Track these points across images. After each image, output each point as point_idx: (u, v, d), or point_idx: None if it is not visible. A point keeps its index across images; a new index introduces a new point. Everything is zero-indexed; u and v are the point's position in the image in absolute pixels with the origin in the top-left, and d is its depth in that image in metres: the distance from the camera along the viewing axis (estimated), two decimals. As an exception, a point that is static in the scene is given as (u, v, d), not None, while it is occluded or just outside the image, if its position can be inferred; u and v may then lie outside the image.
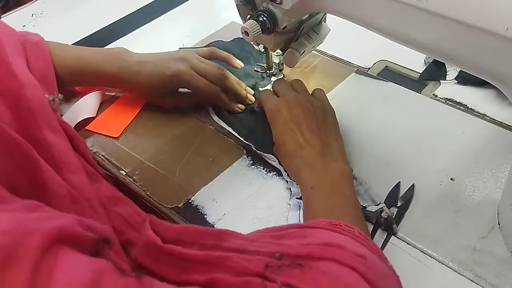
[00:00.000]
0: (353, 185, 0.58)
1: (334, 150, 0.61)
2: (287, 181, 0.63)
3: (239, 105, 0.73)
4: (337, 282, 0.39)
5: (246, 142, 0.68)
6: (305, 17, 0.63)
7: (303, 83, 0.69)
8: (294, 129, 0.62)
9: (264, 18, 0.59)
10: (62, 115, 0.67)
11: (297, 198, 0.60)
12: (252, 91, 0.75)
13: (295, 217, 0.59)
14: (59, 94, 0.64)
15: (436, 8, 0.44)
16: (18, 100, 0.56)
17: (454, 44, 0.45)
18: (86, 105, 0.73)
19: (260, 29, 0.59)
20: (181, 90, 0.73)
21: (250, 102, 0.74)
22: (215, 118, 0.72)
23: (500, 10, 0.41)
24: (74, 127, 0.69)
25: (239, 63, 0.76)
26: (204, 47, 0.83)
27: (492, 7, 0.41)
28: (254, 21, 0.59)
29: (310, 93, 0.69)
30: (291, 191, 0.62)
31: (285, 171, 0.63)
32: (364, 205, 0.58)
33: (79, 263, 0.30)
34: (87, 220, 0.35)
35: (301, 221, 0.58)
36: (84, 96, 0.75)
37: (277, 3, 0.58)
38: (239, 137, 0.69)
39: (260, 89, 0.76)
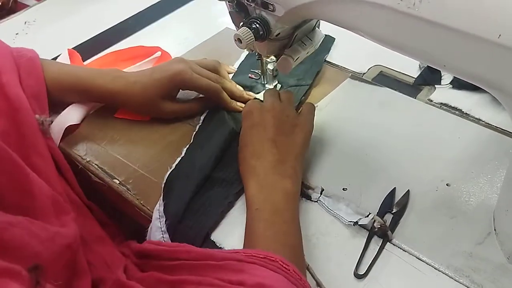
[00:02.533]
0: (297, 206, 0.58)
1: (287, 167, 0.59)
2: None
3: (239, 104, 0.73)
4: None
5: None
6: (298, 23, 0.63)
7: (291, 94, 0.68)
8: (257, 134, 0.62)
9: (257, 25, 0.59)
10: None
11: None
12: (252, 94, 0.76)
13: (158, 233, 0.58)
14: (48, 118, 0.63)
15: (427, 15, 0.43)
16: (12, 123, 0.58)
17: (446, 51, 0.45)
18: (73, 111, 0.73)
19: (253, 36, 0.59)
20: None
21: (250, 97, 0.75)
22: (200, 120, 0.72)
23: (493, 17, 0.41)
24: (65, 131, 0.70)
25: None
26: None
27: (484, 14, 0.41)
28: (247, 28, 0.59)
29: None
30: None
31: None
32: (355, 221, 0.57)
33: None
34: (12, 252, 0.36)
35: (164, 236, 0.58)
36: (73, 104, 0.74)
37: (270, 10, 0.57)
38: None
39: (255, 95, 0.76)
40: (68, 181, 0.60)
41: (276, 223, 0.54)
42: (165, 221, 0.58)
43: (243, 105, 0.73)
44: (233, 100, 0.73)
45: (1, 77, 0.62)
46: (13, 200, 0.44)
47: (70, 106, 0.73)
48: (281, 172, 0.58)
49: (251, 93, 0.76)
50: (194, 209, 0.59)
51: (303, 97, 0.75)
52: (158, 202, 0.60)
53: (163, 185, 0.62)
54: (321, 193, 0.61)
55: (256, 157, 0.60)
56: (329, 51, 0.84)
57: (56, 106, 0.71)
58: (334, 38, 0.86)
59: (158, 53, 0.86)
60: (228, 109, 0.73)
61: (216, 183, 0.63)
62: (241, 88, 0.76)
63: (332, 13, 0.53)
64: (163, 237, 0.58)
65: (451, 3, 0.42)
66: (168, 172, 0.64)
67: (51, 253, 0.41)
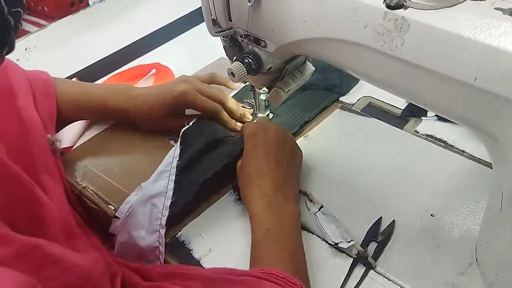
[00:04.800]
0: (300, 228, 0.61)
1: (290, 189, 0.63)
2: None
3: (239, 124, 0.76)
4: None
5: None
6: (289, 58, 0.65)
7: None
8: (262, 153, 0.64)
9: (250, 60, 0.62)
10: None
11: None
12: (250, 116, 0.78)
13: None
14: (59, 141, 0.67)
15: (408, 57, 0.46)
16: (23, 144, 0.61)
17: (426, 90, 0.48)
18: (68, 134, 0.76)
19: (245, 70, 0.61)
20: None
21: (248, 120, 0.77)
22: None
23: (469, 61, 0.43)
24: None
25: (236, 85, 0.82)
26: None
27: (461, 58, 0.44)
28: (239, 63, 0.61)
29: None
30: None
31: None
32: (336, 242, 0.59)
33: None
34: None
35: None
36: (68, 126, 0.77)
37: (262, 46, 0.60)
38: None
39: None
40: (72, 203, 0.63)
41: (286, 245, 0.57)
42: (178, 160, 0.66)
43: (240, 124, 0.76)
44: (232, 120, 0.76)
45: (17, 100, 0.65)
46: (26, 228, 0.45)
47: (67, 127, 0.76)
48: (286, 194, 0.62)
49: (249, 116, 0.78)
50: (202, 160, 0.68)
51: (302, 124, 0.78)
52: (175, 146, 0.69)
53: (180, 135, 0.70)
54: (319, 209, 0.64)
55: (262, 176, 0.62)
56: (349, 90, 0.84)
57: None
58: (359, 80, 0.84)
59: (153, 71, 0.91)
60: (227, 128, 0.75)
61: (224, 143, 0.71)
62: (242, 110, 0.78)
63: (320, 51, 0.56)
64: (170, 172, 0.66)
65: (430, 46, 0.45)
66: (184, 128, 0.71)
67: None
